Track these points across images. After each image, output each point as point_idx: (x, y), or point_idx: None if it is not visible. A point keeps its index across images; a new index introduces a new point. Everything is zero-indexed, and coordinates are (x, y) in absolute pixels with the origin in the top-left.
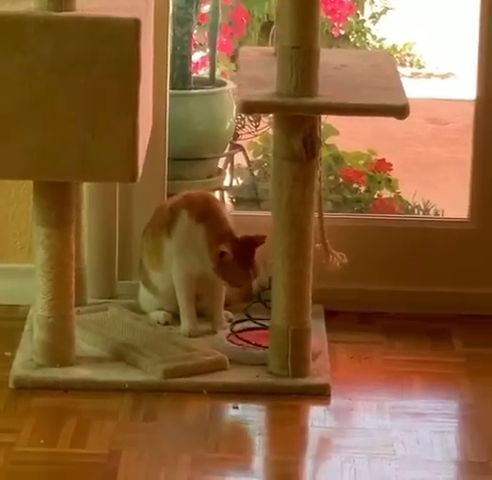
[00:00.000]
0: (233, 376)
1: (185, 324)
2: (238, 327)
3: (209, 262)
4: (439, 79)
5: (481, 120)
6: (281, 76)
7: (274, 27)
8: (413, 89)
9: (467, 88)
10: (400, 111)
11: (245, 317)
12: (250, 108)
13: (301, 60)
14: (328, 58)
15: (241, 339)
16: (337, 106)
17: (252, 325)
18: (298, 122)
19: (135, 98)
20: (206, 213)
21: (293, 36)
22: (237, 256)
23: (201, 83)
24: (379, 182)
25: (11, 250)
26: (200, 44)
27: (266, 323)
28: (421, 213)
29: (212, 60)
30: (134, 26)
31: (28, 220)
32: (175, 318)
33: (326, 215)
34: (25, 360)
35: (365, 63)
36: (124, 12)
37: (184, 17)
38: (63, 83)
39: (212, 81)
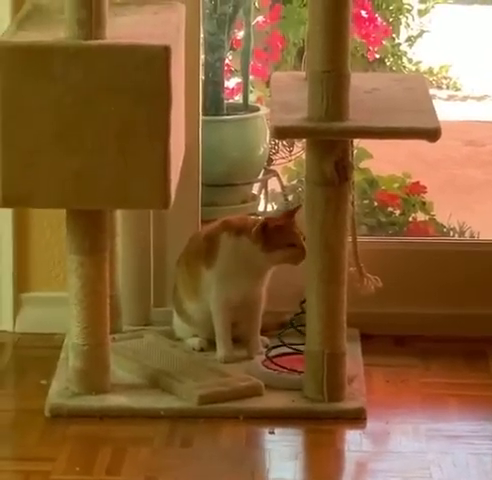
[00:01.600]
0: (269, 401)
1: (221, 351)
2: (273, 353)
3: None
4: (475, 101)
5: None
6: (312, 101)
7: (306, 52)
8: (449, 112)
9: None
10: (432, 134)
11: (280, 343)
12: (282, 133)
13: (332, 84)
14: (359, 82)
15: (276, 364)
16: (368, 130)
17: (287, 350)
18: (330, 146)
19: (166, 125)
20: (244, 226)
21: (323, 60)
22: (278, 225)
23: (234, 109)
24: (413, 205)
25: (46, 278)
26: (235, 70)
27: (301, 348)
28: (456, 235)
29: (245, 86)
30: (164, 53)
31: (62, 248)
32: (210, 344)
33: (361, 239)
34: (61, 388)
35: (397, 86)
36: (154, 39)
37: (216, 43)
38: (93, 111)
39: (245, 107)
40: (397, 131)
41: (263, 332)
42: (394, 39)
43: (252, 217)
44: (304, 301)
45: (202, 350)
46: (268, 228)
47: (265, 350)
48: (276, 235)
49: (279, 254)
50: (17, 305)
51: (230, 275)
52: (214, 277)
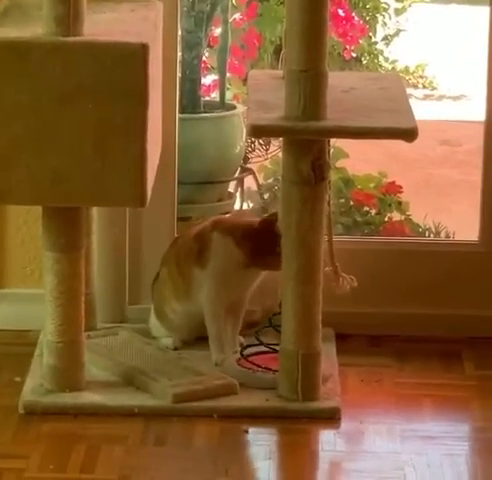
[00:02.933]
0: (243, 400)
1: (215, 354)
2: (248, 351)
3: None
4: (451, 101)
5: (491, 142)
6: (289, 100)
7: (283, 51)
8: (425, 111)
9: (479, 110)
10: (409, 134)
11: (256, 342)
12: (259, 132)
13: (309, 83)
14: (337, 81)
15: (251, 363)
16: (345, 129)
17: (262, 349)
18: (307, 146)
19: (143, 122)
20: (233, 227)
21: (301, 59)
22: (263, 241)
23: (211, 107)
24: (389, 205)
25: (21, 275)
26: (212, 67)
27: (277, 347)
28: (432, 235)
29: (221, 84)
30: (142, 51)
31: (38, 245)
32: (184, 344)
33: (336, 238)
34: (35, 385)
35: (374, 86)
36: (132, 37)
37: (193, 41)
38: (70, 108)
39: (222, 105)
40: (374, 131)
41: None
42: (371, 38)
43: (244, 219)
44: None
45: (176, 349)
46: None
47: (240, 349)
48: (259, 254)
49: (265, 269)
50: None
51: (224, 274)
52: (208, 277)
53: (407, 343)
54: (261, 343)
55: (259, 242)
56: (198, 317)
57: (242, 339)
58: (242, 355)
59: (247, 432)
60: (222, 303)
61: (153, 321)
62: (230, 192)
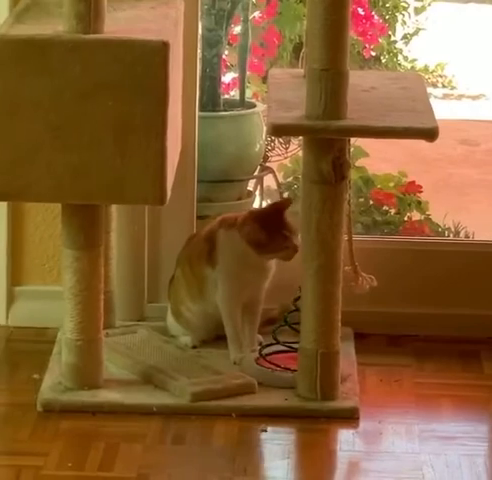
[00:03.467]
0: (262, 399)
1: (234, 353)
2: (267, 350)
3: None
4: (470, 100)
5: None
6: (310, 98)
7: (304, 49)
8: (445, 110)
9: None
10: (429, 134)
11: (273, 341)
12: (279, 131)
13: (330, 83)
14: (357, 80)
15: (270, 362)
16: (366, 129)
17: (281, 348)
18: (327, 145)
19: (163, 120)
20: (236, 220)
21: (322, 58)
22: (266, 224)
23: (231, 105)
24: (409, 204)
25: (40, 273)
26: (232, 65)
27: (295, 346)
28: (451, 235)
29: (242, 82)
30: (162, 48)
31: (57, 243)
32: (203, 342)
33: (356, 237)
34: (53, 383)
35: (395, 85)
36: (152, 34)
37: (214, 39)
38: (90, 106)
39: (242, 103)
40: (395, 131)
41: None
42: (390, 36)
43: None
44: (298, 298)
45: (195, 347)
46: (259, 242)
47: (259, 348)
48: (268, 244)
49: (271, 256)
50: (10, 298)
51: (235, 271)
52: (220, 276)
53: (426, 343)
54: (278, 342)
55: (265, 225)
56: (215, 316)
57: (261, 338)
58: (261, 354)
59: (265, 431)
60: (237, 301)
61: (170, 320)
62: (249, 191)
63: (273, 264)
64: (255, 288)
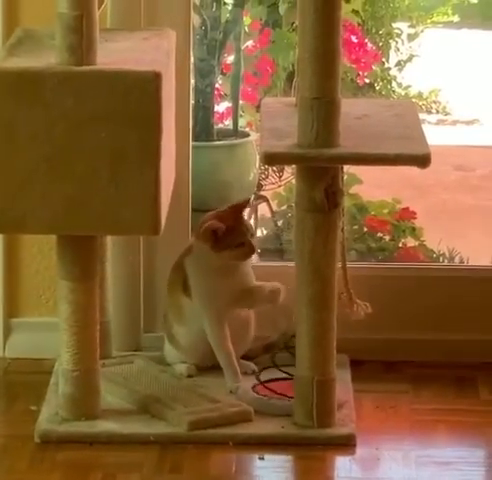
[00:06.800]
0: (258, 427)
1: (229, 381)
2: (264, 378)
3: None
4: (465, 126)
5: None
6: (302, 127)
7: (296, 78)
8: (439, 136)
9: None
10: (421, 160)
11: (271, 365)
12: (272, 159)
13: (322, 111)
14: (350, 108)
15: (267, 389)
16: (358, 156)
17: (278, 376)
18: (320, 173)
19: (157, 151)
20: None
21: (313, 87)
22: (223, 220)
23: (224, 134)
24: (403, 231)
25: (36, 304)
26: (225, 94)
27: (293, 371)
28: (446, 261)
29: (235, 111)
30: (155, 79)
31: (52, 274)
32: (199, 370)
33: (350, 264)
34: (50, 414)
35: (387, 112)
36: (145, 65)
37: (206, 69)
38: (84, 137)
39: (235, 132)
40: (387, 157)
41: (250, 358)
42: (384, 64)
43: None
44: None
45: (190, 376)
46: (217, 233)
47: (254, 373)
48: (225, 237)
49: (228, 254)
50: (7, 330)
51: (207, 292)
52: (199, 304)
53: (422, 369)
54: (276, 366)
55: (226, 236)
56: (202, 340)
57: (253, 366)
58: (258, 381)
59: (263, 459)
60: (223, 327)
61: (167, 347)
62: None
63: (241, 268)
64: (237, 291)
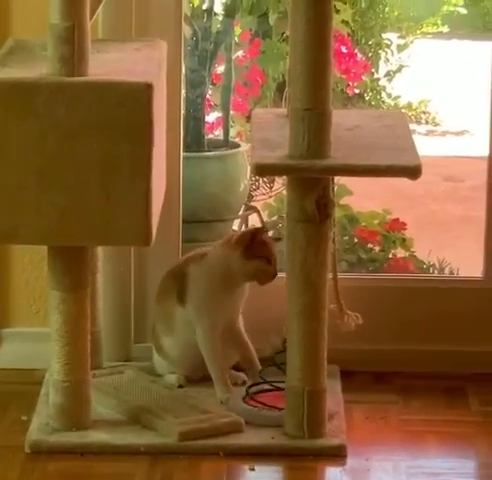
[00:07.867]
0: (249, 438)
1: (219, 392)
2: (254, 389)
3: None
4: (454, 136)
5: None
6: (293, 138)
7: (287, 89)
8: (429, 147)
9: (482, 145)
10: (412, 172)
11: (260, 380)
12: (263, 170)
13: (313, 122)
14: (341, 119)
15: (257, 401)
16: (349, 167)
17: (268, 387)
18: (311, 184)
19: (148, 162)
20: (206, 252)
21: (305, 98)
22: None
23: (215, 145)
24: (394, 242)
25: (27, 314)
26: (215, 105)
27: (282, 385)
28: (436, 272)
29: (225, 122)
30: (146, 90)
31: (43, 284)
32: (189, 381)
33: (341, 275)
34: (41, 424)
35: (378, 123)
36: (136, 76)
37: (197, 80)
38: (76, 148)
39: (226, 143)
40: (378, 169)
41: (241, 369)
42: (373, 74)
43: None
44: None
45: (181, 387)
46: (256, 238)
47: (245, 387)
48: (259, 246)
49: (255, 265)
50: None
51: (207, 302)
52: (194, 315)
53: (412, 380)
54: (265, 381)
55: (261, 245)
56: (191, 350)
57: (244, 376)
58: (248, 393)
59: (253, 470)
60: (216, 338)
61: (156, 358)
62: (234, 230)
63: (245, 288)
64: (230, 314)
